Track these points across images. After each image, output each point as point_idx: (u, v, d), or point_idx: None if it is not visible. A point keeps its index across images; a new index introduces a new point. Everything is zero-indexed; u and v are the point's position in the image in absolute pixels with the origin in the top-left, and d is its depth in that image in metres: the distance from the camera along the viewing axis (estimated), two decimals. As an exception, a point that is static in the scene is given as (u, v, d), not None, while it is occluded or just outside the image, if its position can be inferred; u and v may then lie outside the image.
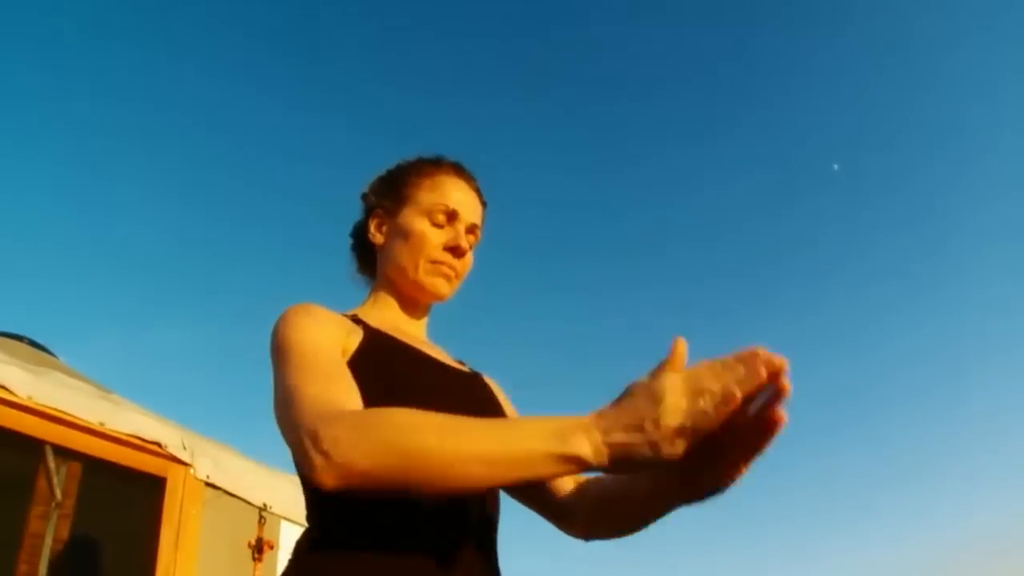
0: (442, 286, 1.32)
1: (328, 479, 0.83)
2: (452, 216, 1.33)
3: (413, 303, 1.36)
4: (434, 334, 1.42)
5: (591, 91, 14.41)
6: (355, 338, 1.17)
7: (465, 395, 1.25)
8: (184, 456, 3.15)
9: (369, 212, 1.41)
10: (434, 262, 1.31)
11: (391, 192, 1.39)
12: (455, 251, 1.32)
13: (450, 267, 1.32)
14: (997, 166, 13.72)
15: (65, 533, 3.01)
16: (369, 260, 1.42)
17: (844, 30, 13.59)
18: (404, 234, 1.33)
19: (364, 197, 1.44)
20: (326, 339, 1.10)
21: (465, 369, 1.36)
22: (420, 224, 1.33)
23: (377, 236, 1.38)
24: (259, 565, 3.34)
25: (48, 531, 2.95)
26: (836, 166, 13.08)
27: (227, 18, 12.13)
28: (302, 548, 1.08)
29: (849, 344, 16.33)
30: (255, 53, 12.45)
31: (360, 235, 1.44)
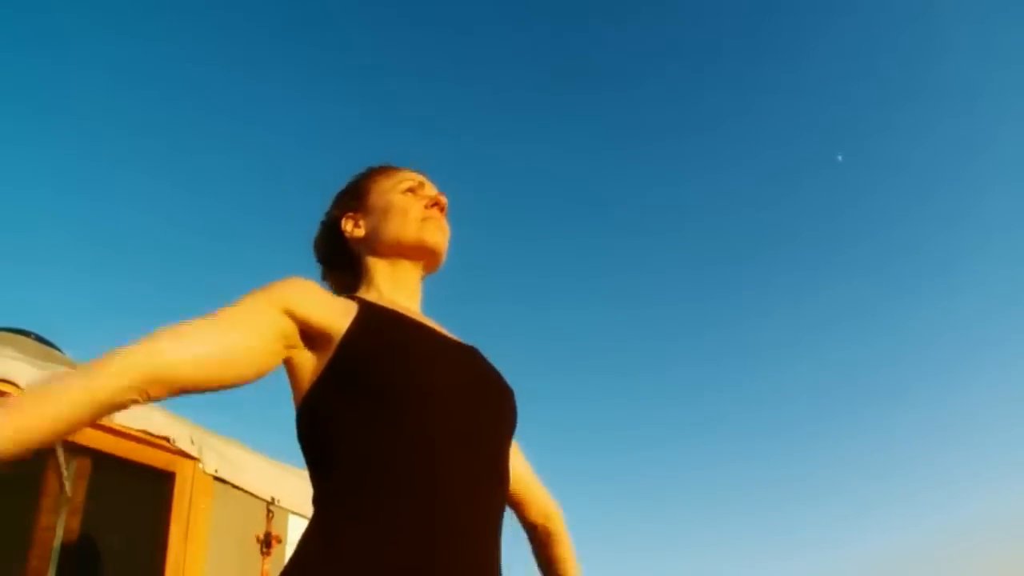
0: (439, 235, 1.39)
1: None
2: (419, 186, 1.43)
3: (408, 274, 1.39)
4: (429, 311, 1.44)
5: (594, 77, 14.40)
6: (350, 314, 1.17)
7: (466, 363, 1.26)
8: (192, 451, 3.16)
9: (337, 222, 1.44)
10: (424, 218, 1.38)
11: (353, 195, 1.45)
12: (436, 205, 1.41)
13: (438, 219, 1.40)
14: (1000, 156, 13.70)
15: (75, 528, 3.03)
16: (349, 270, 1.43)
17: (850, 16, 13.57)
18: (384, 210, 1.39)
19: (326, 218, 1.48)
20: (276, 311, 1.11)
21: (463, 342, 1.36)
22: (395, 196, 1.41)
23: (356, 231, 1.41)
24: (267, 559, 3.35)
25: (58, 526, 2.97)
26: (840, 157, 13.06)
27: (234, 10, 12.12)
28: (308, 535, 1.08)
29: (844, 334, 16.33)
30: (263, 46, 12.43)
31: (333, 247, 1.46)
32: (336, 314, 1.16)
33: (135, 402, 0.96)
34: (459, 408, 1.15)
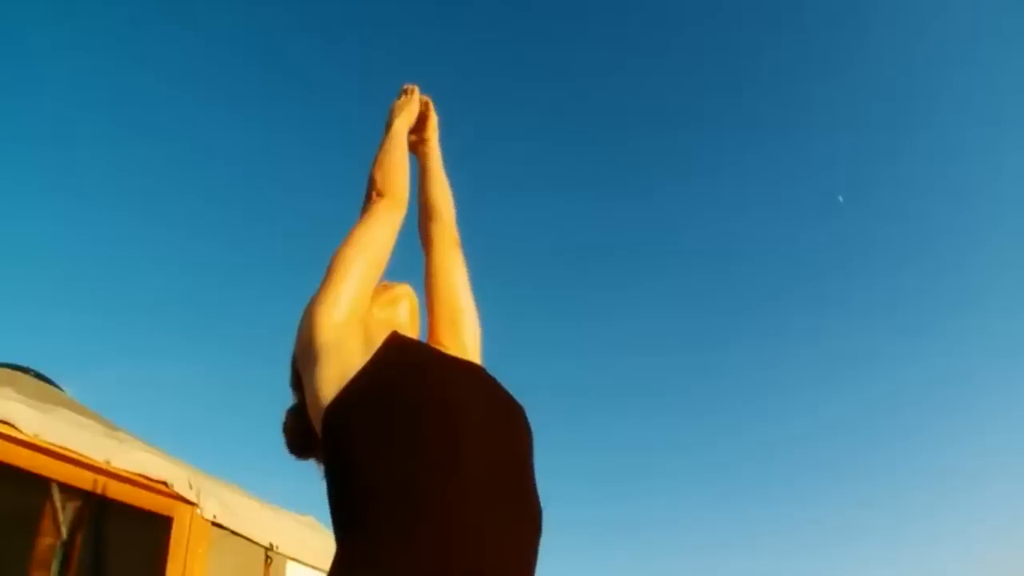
0: (402, 284, 1.58)
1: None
2: None
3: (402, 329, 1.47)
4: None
5: (601, 127, 14.55)
6: (380, 338, 1.24)
7: (480, 383, 1.29)
8: (190, 495, 3.12)
9: None
10: (382, 287, 1.53)
11: None
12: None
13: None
14: (1000, 193, 13.71)
15: (70, 572, 2.97)
16: None
17: (851, 59, 13.73)
18: None
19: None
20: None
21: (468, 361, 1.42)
22: None
23: None
24: (265, 606, 3.29)
25: (53, 570, 2.91)
26: (841, 198, 13.10)
27: (249, 56, 12.31)
28: (338, 565, 1.05)
29: (851, 377, 16.22)
30: (268, 89, 12.59)
31: None
32: (382, 329, 1.28)
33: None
34: (480, 427, 1.15)
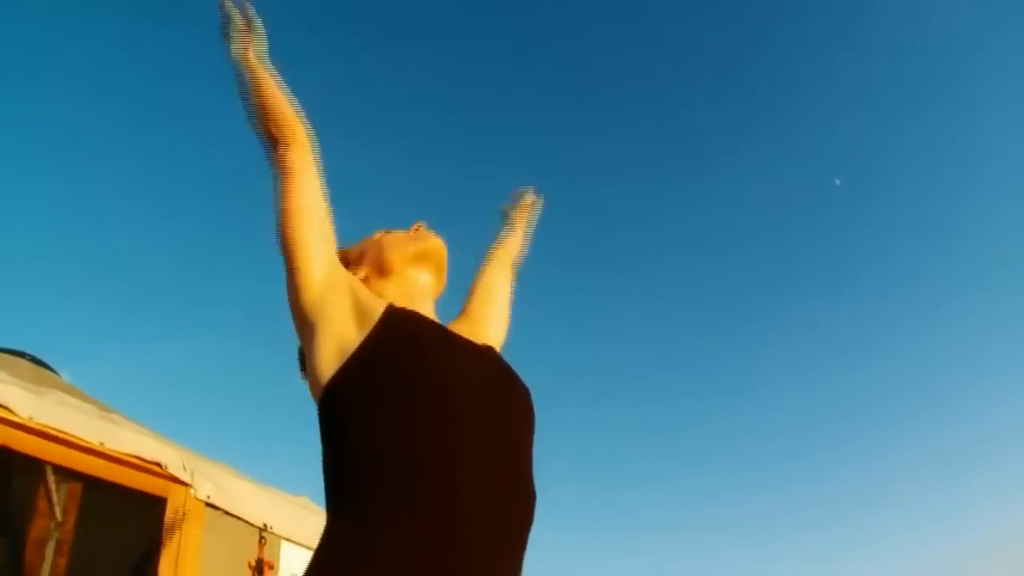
0: (434, 238, 1.45)
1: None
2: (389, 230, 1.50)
3: (417, 284, 1.42)
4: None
5: (603, 110, 14.50)
6: (381, 308, 1.21)
7: (485, 363, 1.28)
8: (184, 476, 3.13)
9: None
10: (414, 236, 1.46)
11: None
12: (418, 229, 1.48)
13: (427, 230, 1.47)
14: (1003, 175, 13.74)
15: (65, 553, 3.00)
16: None
17: (850, 43, 13.69)
18: (376, 247, 1.45)
19: None
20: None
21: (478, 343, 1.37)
22: (379, 236, 1.48)
23: (359, 276, 1.41)
24: (259, 586, 3.31)
25: (48, 551, 2.94)
26: (838, 181, 13.11)
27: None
28: (328, 541, 1.05)
29: (854, 357, 16.30)
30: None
31: None
32: (375, 300, 1.23)
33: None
34: (480, 407, 1.14)
